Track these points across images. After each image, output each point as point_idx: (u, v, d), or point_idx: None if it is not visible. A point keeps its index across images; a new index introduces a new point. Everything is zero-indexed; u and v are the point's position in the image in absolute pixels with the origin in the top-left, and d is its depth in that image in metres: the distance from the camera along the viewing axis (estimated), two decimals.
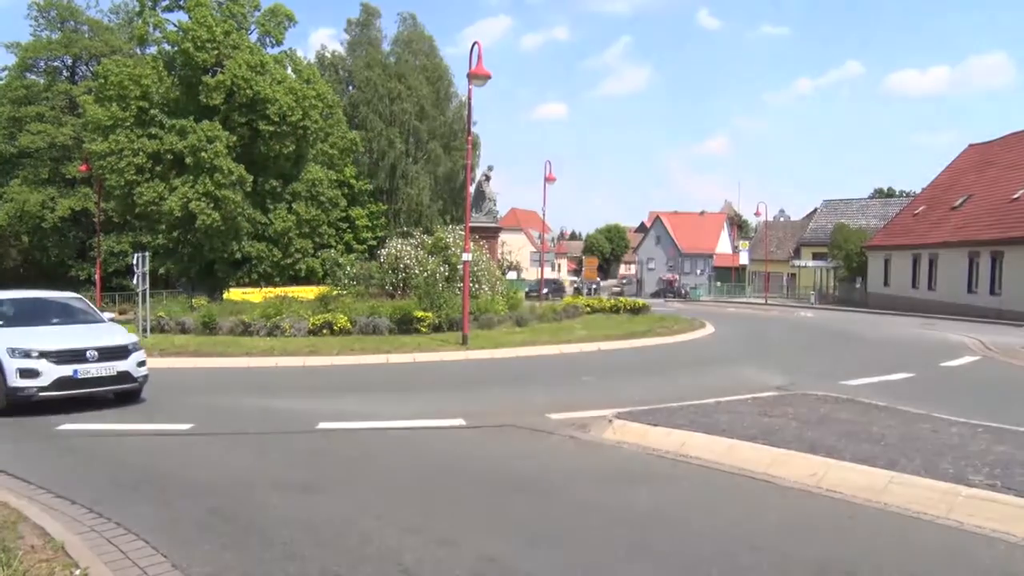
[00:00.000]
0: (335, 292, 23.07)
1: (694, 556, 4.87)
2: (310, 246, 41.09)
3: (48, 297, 12.58)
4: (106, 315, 11.93)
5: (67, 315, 11.50)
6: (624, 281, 70.58)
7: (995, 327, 26.04)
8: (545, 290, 39.73)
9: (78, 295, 13.39)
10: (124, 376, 10.14)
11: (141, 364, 10.46)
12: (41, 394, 9.53)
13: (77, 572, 4.43)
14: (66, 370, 9.62)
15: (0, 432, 8.88)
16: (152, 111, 37.19)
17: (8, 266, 48.08)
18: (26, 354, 9.56)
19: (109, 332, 10.78)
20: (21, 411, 9.46)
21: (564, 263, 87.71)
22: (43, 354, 9.60)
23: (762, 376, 13.09)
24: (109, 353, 10.02)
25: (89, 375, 9.77)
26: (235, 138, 37.06)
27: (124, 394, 10.44)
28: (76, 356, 9.77)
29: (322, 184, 41.51)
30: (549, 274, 48.04)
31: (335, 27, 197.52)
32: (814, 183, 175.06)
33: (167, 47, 39.16)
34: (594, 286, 56.07)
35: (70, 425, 9.02)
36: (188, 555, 4.85)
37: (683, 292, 64.64)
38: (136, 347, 10.53)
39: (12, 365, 9.49)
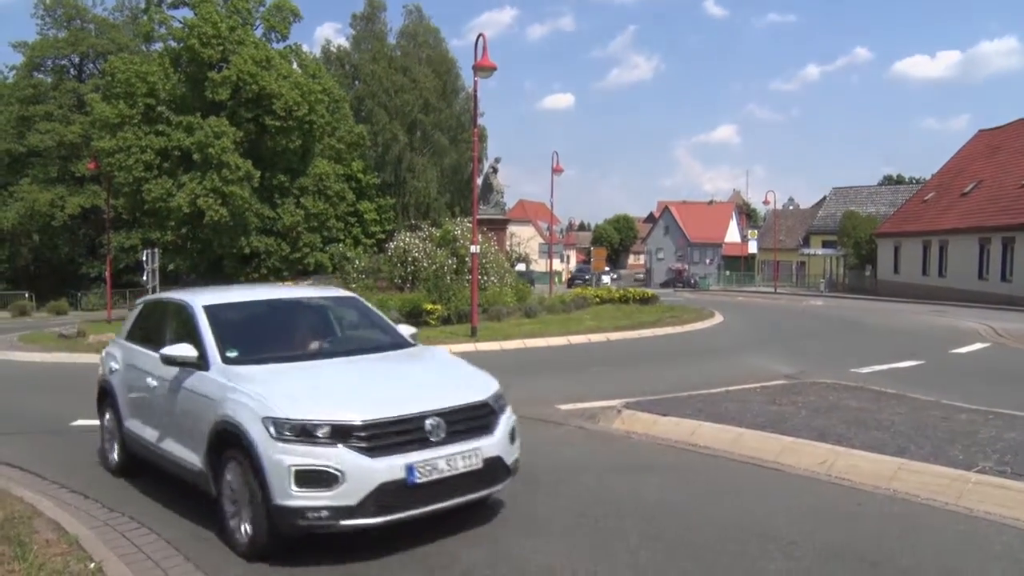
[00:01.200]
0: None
1: (703, 544, 4.88)
2: (318, 240, 41.25)
3: (298, 298, 6.95)
4: (403, 328, 6.43)
5: (332, 332, 6.38)
6: (615, 277, 70.08)
7: (1006, 313, 25.87)
8: None
9: (350, 293, 7.43)
10: (494, 469, 4.95)
11: (513, 436, 5.23)
12: (344, 522, 4.46)
13: (92, 565, 4.47)
14: (393, 467, 4.48)
15: (13, 426, 8.95)
16: (159, 108, 37.31)
17: (20, 264, 48.41)
18: (305, 432, 4.46)
19: (442, 369, 5.73)
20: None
21: (573, 254, 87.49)
22: (338, 431, 4.47)
23: (771, 365, 13.06)
24: (461, 419, 4.88)
25: (437, 473, 4.62)
26: (242, 133, 37.13)
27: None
28: (408, 432, 4.63)
29: (329, 178, 41.63)
30: (558, 266, 47.72)
31: (340, 21, 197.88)
32: (823, 171, 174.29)
33: (173, 44, 39.26)
34: (589, 277, 55.73)
35: (81, 421, 8.91)
36: (201, 549, 4.91)
37: (692, 282, 64.47)
38: (501, 403, 5.24)
39: (281, 459, 4.43)
